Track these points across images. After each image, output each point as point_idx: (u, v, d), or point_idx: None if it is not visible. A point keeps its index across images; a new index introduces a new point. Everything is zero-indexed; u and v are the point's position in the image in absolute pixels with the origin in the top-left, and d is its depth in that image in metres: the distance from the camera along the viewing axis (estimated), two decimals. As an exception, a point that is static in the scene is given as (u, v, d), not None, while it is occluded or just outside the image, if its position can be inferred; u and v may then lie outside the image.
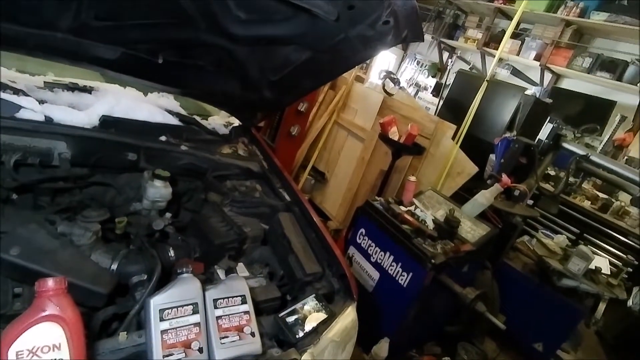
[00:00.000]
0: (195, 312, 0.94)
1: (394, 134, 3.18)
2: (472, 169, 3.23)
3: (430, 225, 2.44)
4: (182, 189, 1.72)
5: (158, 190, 1.48)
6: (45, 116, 1.37)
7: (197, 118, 1.89)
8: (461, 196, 3.11)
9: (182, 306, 0.93)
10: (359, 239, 2.63)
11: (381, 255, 2.45)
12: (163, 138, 1.65)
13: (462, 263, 2.39)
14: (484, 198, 2.63)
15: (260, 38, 1.38)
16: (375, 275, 2.46)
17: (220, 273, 1.26)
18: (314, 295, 1.27)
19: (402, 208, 2.58)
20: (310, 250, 1.49)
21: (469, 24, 7.29)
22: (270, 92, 1.72)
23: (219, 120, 2.03)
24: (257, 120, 1.99)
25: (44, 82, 1.56)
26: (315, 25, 1.31)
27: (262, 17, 1.30)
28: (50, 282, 0.72)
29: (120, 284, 1.14)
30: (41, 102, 1.41)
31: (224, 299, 1.02)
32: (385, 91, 3.91)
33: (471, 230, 2.51)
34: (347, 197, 3.90)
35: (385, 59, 8.40)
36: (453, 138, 3.36)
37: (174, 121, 1.76)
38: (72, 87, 1.60)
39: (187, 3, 1.18)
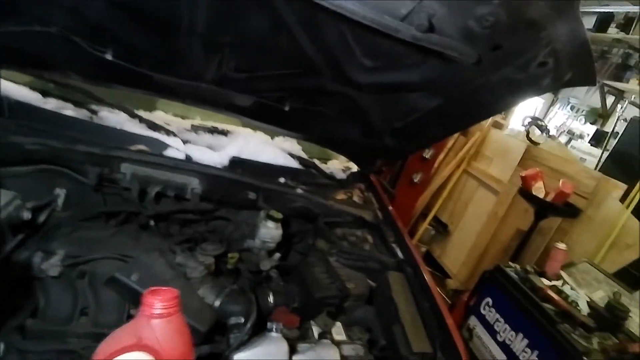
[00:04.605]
0: (277, 379, 0.85)
1: (538, 189, 2.70)
2: (650, 242, 2.51)
3: (584, 309, 1.93)
4: (293, 231, 1.72)
5: (269, 231, 1.51)
6: (186, 155, 1.55)
7: (317, 162, 1.91)
8: (632, 276, 2.41)
9: (265, 369, 0.85)
10: (484, 309, 2.24)
11: (511, 335, 2.02)
12: (282, 180, 1.70)
13: (632, 371, 1.79)
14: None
15: (386, 85, 1.30)
16: (501, 358, 2.03)
17: (315, 331, 1.16)
18: (418, 382, 1.06)
19: (545, 281, 2.12)
20: (420, 323, 1.28)
21: (646, 63, 6.07)
22: (392, 140, 1.61)
23: (338, 165, 2.02)
24: (375, 167, 1.91)
25: (192, 125, 1.80)
26: (449, 69, 1.16)
27: (389, 63, 1.23)
28: (158, 299, 0.62)
29: (221, 322, 1.15)
30: (185, 142, 1.61)
31: (311, 368, 0.91)
32: (530, 139, 3.43)
33: (648, 327, 1.89)
34: (473, 256, 3.45)
35: (530, 103, 7.53)
36: (622, 200, 2.69)
37: (294, 164, 1.81)
38: (212, 130, 1.80)
39: (314, 53, 1.20)
